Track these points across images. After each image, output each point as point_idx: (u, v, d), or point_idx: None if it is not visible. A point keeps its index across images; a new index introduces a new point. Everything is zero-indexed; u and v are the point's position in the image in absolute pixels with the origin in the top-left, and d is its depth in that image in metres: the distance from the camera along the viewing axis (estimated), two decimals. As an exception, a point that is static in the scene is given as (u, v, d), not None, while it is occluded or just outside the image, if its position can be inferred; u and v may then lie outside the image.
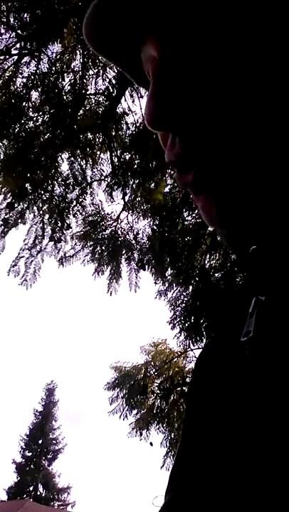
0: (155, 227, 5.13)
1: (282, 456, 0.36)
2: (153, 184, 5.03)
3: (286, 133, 0.39)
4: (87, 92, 4.78)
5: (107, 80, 4.71)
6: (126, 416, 6.57)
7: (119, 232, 5.47)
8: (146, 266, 5.26)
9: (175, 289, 5.27)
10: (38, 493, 24.33)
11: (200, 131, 0.40)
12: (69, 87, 4.64)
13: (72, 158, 5.05)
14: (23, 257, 5.15)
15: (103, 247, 5.44)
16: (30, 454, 25.11)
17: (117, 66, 0.52)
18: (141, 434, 6.59)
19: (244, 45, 0.39)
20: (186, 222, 4.93)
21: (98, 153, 5.16)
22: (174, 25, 0.41)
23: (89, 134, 5.05)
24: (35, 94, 4.65)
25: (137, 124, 4.81)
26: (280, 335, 0.41)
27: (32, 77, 4.52)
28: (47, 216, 5.18)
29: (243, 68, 0.39)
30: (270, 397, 0.39)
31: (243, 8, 0.39)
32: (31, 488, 24.48)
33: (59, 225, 5.18)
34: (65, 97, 4.59)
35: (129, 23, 0.44)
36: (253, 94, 0.39)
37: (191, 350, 5.55)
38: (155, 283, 5.30)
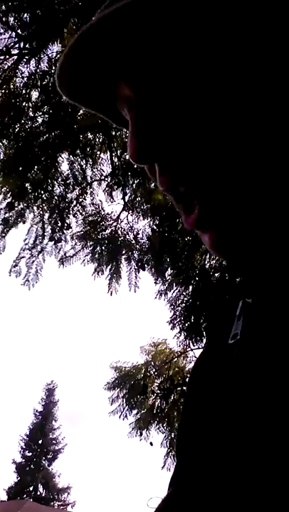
0: (155, 227, 5.13)
1: (272, 453, 0.36)
2: (153, 184, 5.02)
3: (267, 148, 0.40)
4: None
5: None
6: (126, 416, 6.58)
7: (119, 232, 5.47)
8: (146, 266, 5.26)
9: (175, 289, 5.27)
10: (38, 493, 24.35)
11: (186, 158, 0.41)
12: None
13: (72, 158, 5.06)
14: (23, 257, 5.15)
15: (103, 247, 5.44)
16: (30, 454, 25.13)
17: (94, 112, 0.53)
18: (141, 434, 6.59)
19: (213, 70, 0.40)
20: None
21: (98, 153, 5.16)
22: (144, 66, 0.42)
23: (89, 134, 5.05)
24: (35, 94, 4.66)
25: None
26: (267, 337, 0.42)
27: (32, 76, 4.52)
28: (47, 216, 5.18)
29: (215, 92, 0.40)
30: (257, 399, 0.40)
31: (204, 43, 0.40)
32: (31, 488, 24.49)
33: (59, 225, 5.18)
34: (64, 97, 4.58)
35: (99, 70, 0.45)
36: (227, 116, 0.40)
37: (191, 350, 5.56)
38: (155, 283, 5.30)
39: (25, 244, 5.17)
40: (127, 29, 0.41)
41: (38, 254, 5.19)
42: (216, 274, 4.86)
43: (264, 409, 0.38)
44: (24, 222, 5.11)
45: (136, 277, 5.34)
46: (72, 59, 0.44)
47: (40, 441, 25.42)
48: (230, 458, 0.40)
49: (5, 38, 4.27)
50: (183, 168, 0.42)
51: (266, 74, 0.40)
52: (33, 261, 5.18)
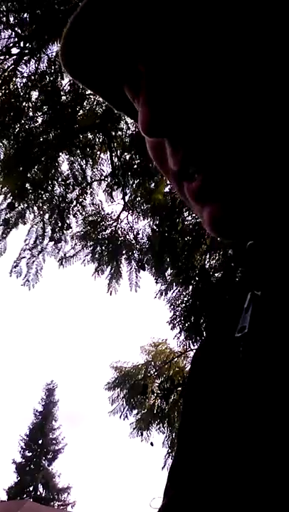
0: (155, 227, 5.13)
1: (280, 453, 0.36)
2: (153, 184, 5.02)
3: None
4: (87, 92, 4.78)
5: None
6: (126, 416, 6.57)
7: (119, 232, 5.47)
8: (147, 266, 5.26)
9: (175, 288, 5.27)
10: (38, 493, 24.33)
11: (200, 131, 0.39)
12: (68, 87, 4.64)
13: (72, 158, 5.05)
14: (24, 257, 5.15)
15: (103, 247, 5.43)
16: (30, 454, 25.11)
17: (94, 92, 0.50)
18: (142, 435, 6.58)
19: (235, 40, 0.38)
20: (186, 222, 4.93)
21: (98, 153, 5.16)
22: (154, 35, 0.40)
23: (89, 134, 5.05)
24: (34, 94, 4.66)
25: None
26: (276, 331, 0.40)
27: (32, 77, 4.52)
28: (47, 216, 5.17)
29: (236, 62, 0.38)
30: (265, 394, 0.39)
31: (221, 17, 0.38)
32: (31, 488, 24.48)
33: (59, 225, 5.17)
34: (64, 97, 4.59)
35: (106, 42, 0.43)
36: (250, 89, 0.38)
37: (192, 350, 5.55)
38: (156, 282, 5.29)
39: (26, 244, 5.17)
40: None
41: (39, 255, 5.19)
42: (216, 274, 4.86)
43: (273, 406, 0.38)
44: (25, 223, 5.11)
45: (136, 277, 5.34)
46: (76, 31, 0.42)
47: (40, 441, 25.40)
48: (236, 455, 0.40)
49: (5, 38, 4.27)
50: (196, 142, 0.39)
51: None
52: (34, 261, 5.17)
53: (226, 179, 0.39)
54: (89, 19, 0.41)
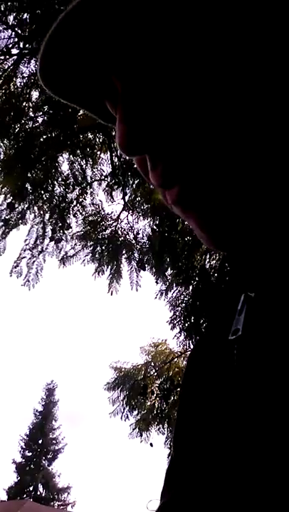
0: (155, 227, 5.13)
1: (276, 454, 0.36)
2: (153, 184, 5.01)
3: (259, 137, 0.39)
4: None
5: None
6: (127, 417, 6.57)
7: (120, 232, 5.47)
8: (147, 266, 5.26)
9: (175, 289, 5.27)
10: (38, 493, 24.34)
11: (177, 147, 0.39)
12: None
13: (72, 158, 5.05)
14: (24, 257, 5.15)
15: (103, 247, 5.43)
16: (30, 454, 25.13)
17: (79, 107, 0.50)
18: (141, 435, 6.58)
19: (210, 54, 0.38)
20: (186, 222, 4.92)
21: (98, 153, 5.16)
22: (130, 53, 0.40)
23: (89, 134, 5.05)
24: (35, 94, 4.66)
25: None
26: (270, 333, 0.40)
27: (32, 77, 4.52)
28: (47, 216, 5.17)
29: (209, 79, 0.38)
30: (259, 397, 0.39)
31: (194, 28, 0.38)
32: (31, 488, 24.49)
33: (59, 225, 5.17)
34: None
35: (83, 59, 0.42)
36: (222, 105, 0.38)
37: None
38: (156, 282, 5.29)
39: (26, 244, 5.17)
40: (111, 13, 0.39)
41: (39, 255, 5.19)
42: (216, 274, 4.86)
43: (267, 409, 0.37)
44: (25, 224, 5.11)
45: (136, 277, 5.34)
46: (52, 47, 0.41)
47: (40, 441, 25.41)
48: (231, 459, 0.40)
49: (5, 38, 4.28)
50: (174, 157, 0.40)
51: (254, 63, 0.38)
52: (34, 261, 5.17)
53: (201, 188, 0.39)
54: (63, 38, 0.40)
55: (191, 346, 5.24)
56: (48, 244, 5.23)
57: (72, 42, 0.41)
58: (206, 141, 0.38)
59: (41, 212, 5.15)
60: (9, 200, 4.92)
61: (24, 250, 5.18)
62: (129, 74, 0.41)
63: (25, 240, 5.19)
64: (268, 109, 0.38)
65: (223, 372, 0.45)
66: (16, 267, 5.13)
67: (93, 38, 0.40)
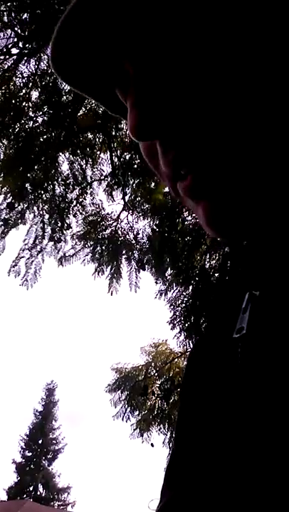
0: (155, 227, 5.13)
1: (278, 454, 0.35)
2: (153, 184, 5.02)
3: (277, 126, 0.38)
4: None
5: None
6: (128, 418, 6.57)
7: (120, 232, 5.47)
8: (147, 266, 5.26)
9: (175, 289, 5.27)
10: (38, 493, 24.35)
11: (190, 132, 0.39)
12: (69, 87, 4.63)
13: (72, 158, 5.05)
14: (23, 257, 5.15)
15: (103, 247, 5.43)
16: (30, 454, 25.14)
17: (88, 96, 0.49)
18: (142, 436, 6.58)
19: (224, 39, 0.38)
20: (186, 222, 4.93)
21: (98, 153, 5.16)
22: (143, 36, 0.40)
23: (89, 134, 5.05)
24: (35, 94, 4.65)
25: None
26: (275, 332, 0.40)
27: (32, 76, 4.52)
28: (47, 216, 5.17)
29: (224, 64, 0.38)
30: (263, 396, 0.38)
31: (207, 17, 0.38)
32: (31, 488, 24.50)
33: (59, 225, 5.17)
34: (64, 97, 4.59)
35: (95, 46, 0.42)
36: (238, 91, 0.38)
37: (192, 350, 5.54)
38: (156, 282, 5.29)
39: (25, 244, 5.17)
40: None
41: (38, 255, 5.19)
42: (216, 275, 4.86)
43: (272, 407, 0.37)
44: (25, 223, 5.10)
45: (136, 277, 5.34)
46: (65, 32, 0.41)
47: (40, 441, 25.42)
48: (234, 457, 0.39)
49: (5, 38, 4.27)
50: (186, 143, 0.39)
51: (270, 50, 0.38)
52: (32, 261, 5.17)
53: (214, 177, 0.39)
54: (75, 23, 0.40)
55: (191, 346, 5.24)
56: (46, 244, 5.23)
57: (84, 27, 0.40)
58: (219, 126, 0.38)
59: (41, 212, 5.15)
60: (9, 200, 4.92)
61: (23, 250, 5.17)
62: (142, 58, 0.40)
63: (24, 240, 5.19)
64: (284, 97, 0.38)
65: (226, 371, 0.44)
66: (14, 267, 5.13)
67: (106, 22, 0.40)
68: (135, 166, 5.03)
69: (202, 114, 0.38)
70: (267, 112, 0.38)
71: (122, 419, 6.55)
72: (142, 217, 5.36)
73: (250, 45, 0.38)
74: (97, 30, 0.41)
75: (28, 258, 5.16)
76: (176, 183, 0.42)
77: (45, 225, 5.19)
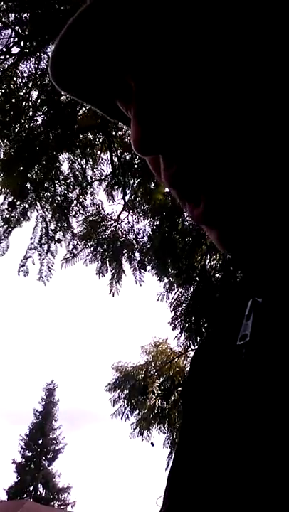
0: (155, 227, 5.13)
1: (282, 460, 0.35)
2: (153, 184, 5.02)
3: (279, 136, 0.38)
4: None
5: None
6: (128, 417, 6.57)
7: (120, 233, 5.47)
8: (147, 266, 5.26)
9: (176, 289, 5.26)
10: (38, 493, 24.36)
11: (192, 149, 0.39)
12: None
13: (72, 158, 5.05)
14: (30, 256, 5.15)
15: (104, 247, 5.43)
16: (30, 454, 25.14)
17: (87, 104, 0.49)
18: (142, 435, 6.59)
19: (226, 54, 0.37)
20: (186, 222, 4.93)
21: (98, 153, 5.15)
22: (145, 52, 0.40)
23: (89, 134, 5.05)
24: (35, 94, 4.65)
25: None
26: (278, 339, 0.40)
27: (32, 76, 4.52)
28: (49, 216, 5.17)
29: (228, 80, 0.37)
30: (267, 403, 0.38)
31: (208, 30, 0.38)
32: (31, 488, 24.51)
33: (60, 225, 5.18)
34: (65, 97, 4.59)
35: (96, 58, 0.42)
36: (240, 106, 0.37)
37: (192, 350, 5.55)
38: (159, 280, 5.29)
39: (32, 243, 5.17)
40: (125, 14, 0.38)
41: (47, 253, 5.20)
42: (217, 275, 4.86)
43: (276, 414, 0.37)
44: (28, 219, 5.10)
45: (137, 277, 5.34)
46: (65, 45, 0.41)
47: (40, 441, 25.43)
48: (237, 462, 0.39)
49: (5, 38, 4.27)
50: (189, 159, 0.39)
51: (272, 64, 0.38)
52: (44, 258, 5.18)
53: (227, 204, 0.39)
54: (77, 36, 0.40)
55: (192, 346, 5.25)
56: (50, 244, 5.24)
57: (86, 42, 0.40)
58: (220, 141, 0.38)
59: (42, 212, 5.15)
60: (10, 200, 4.92)
61: (30, 249, 5.18)
62: (144, 74, 0.40)
63: (31, 239, 5.19)
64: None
65: (230, 377, 0.44)
66: (22, 266, 5.13)
67: (108, 37, 0.40)
68: (135, 166, 5.03)
69: (204, 130, 0.38)
70: (269, 126, 0.38)
71: (122, 418, 6.55)
72: (142, 218, 5.37)
73: (251, 60, 0.37)
74: (100, 44, 0.41)
75: (40, 255, 5.17)
76: (183, 201, 0.42)
77: (48, 225, 5.19)
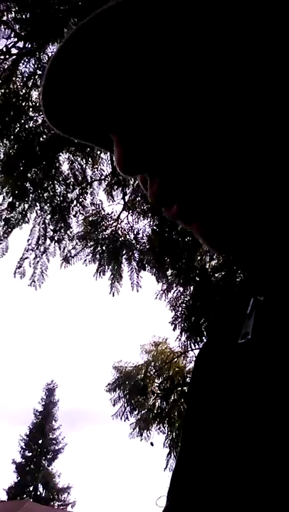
0: (155, 227, 5.13)
1: (284, 462, 0.35)
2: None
3: (246, 153, 0.41)
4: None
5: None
6: (127, 417, 6.58)
7: (120, 232, 5.47)
8: (147, 266, 5.26)
9: (175, 289, 5.27)
10: (38, 493, 24.36)
11: (171, 165, 0.42)
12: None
13: (72, 158, 5.05)
14: (27, 258, 5.15)
15: (104, 247, 5.43)
16: (30, 454, 25.13)
17: (83, 142, 0.53)
18: (141, 435, 6.59)
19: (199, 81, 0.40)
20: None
21: (98, 153, 5.16)
22: (126, 80, 0.43)
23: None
24: (35, 94, 4.66)
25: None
26: (280, 337, 0.40)
27: (32, 76, 4.52)
28: (48, 216, 5.17)
29: (197, 101, 0.41)
30: (269, 401, 0.39)
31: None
32: (31, 488, 24.51)
33: (60, 225, 5.18)
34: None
35: (82, 94, 0.45)
36: (209, 123, 0.41)
37: (192, 350, 5.55)
38: (158, 281, 5.29)
39: (29, 244, 5.17)
40: (105, 40, 0.41)
41: (42, 255, 5.19)
42: (216, 275, 4.86)
43: (278, 412, 0.37)
44: (28, 222, 5.10)
45: (137, 277, 5.34)
46: (51, 80, 0.44)
47: (40, 441, 25.43)
48: (240, 461, 0.39)
49: (5, 38, 4.27)
50: (170, 175, 0.43)
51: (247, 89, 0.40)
52: (38, 261, 5.18)
53: (198, 202, 0.43)
54: (62, 76, 0.43)
55: (192, 346, 5.25)
56: (49, 245, 5.24)
57: (69, 77, 0.44)
58: (199, 159, 0.42)
59: (42, 212, 5.15)
60: (9, 200, 4.92)
61: (27, 250, 5.18)
62: (124, 101, 0.44)
63: (28, 240, 5.19)
64: (259, 125, 0.41)
65: (233, 376, 0.45)
66: (19, 268, 5.13)
67: (89, 74, 0.44)
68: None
69: (181, 149, 0.42)
70: (243, 140, 0.41)
71: (122, 418, 6.56)
72: (142, 217, 5.37)
73: (225, 84, 0.40)
74: (81, 84, 0.44)
75: (34, 258, 5.17)
76: (165, 209, 0.47)
77: (47, 226, 5.19)
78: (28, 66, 4.50)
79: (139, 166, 0.44)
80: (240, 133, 0.41)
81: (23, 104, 4.61)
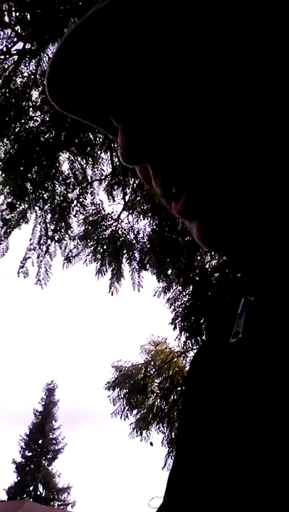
0: (155, 227, 5.13)
1: (277, 459, 0.36)
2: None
3: (254, 147, 0.40)
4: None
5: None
6: (126, 416, 6.57)
7: (120, 232, 5.47)
8: (148, 266, 5.26)
9: (175, 288, 5.27)
10: (38, 493, 24.35)
11: (175, 155, 0.42)
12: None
13: (72, 158, 5.05)
14: (30, 257, 5.15)
15: (104, 247, 5.43)
16: (30, 454, 25.12)
17: (86, 122, 0.52)
18: (141, 434, 6.59)
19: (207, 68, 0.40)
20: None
21: (98, 152, 5.16)
22: (131, 66, 0.42)
23: (89, 133, 5.05)
24: (35, 94, 4.66)
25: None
26: (269, 336, 0.41)
27: (32, 76, 4.52)
28: (49, 216, 5.17)
29: (202, 91, 0.40)
30: (260, 399, 0.39)
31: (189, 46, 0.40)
32: (31, 488, 24.49)
33: (60, 225, 5.17)
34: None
35: (87, 75, 0.45)
36: (215, 112, 0.40)
37: (192, 350, 5.55)
38: (158, 281, 5.29)
39: (31, 244, 5.17)
40: (112, 29, 0.41)
41: (45, 254, 5.19)
42: (216, 274, 4.86)
43: (268, 410, 0.38)
44: (27, 223, 5.10)
45: (138, 277, 5.34)
46: (58, 65, 0.43)
47: (40, 441, 25.41)
48: (232, 460, 0.40)
49: (5, 38, 4.27)
50: (171, 164, 0.42)
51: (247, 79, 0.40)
52: (42, 260, 5.17)
53: (205, 197, 0.42)
54: (67, 59, 0.43)
55: (192, 346, 5.25)
56: (49, 245, 5.23)
57: (76, 62, 0.43)
58: (203, 149, 0.41)
59: (42, 212, 5.14)
60: (9, 200, 4.91)
61: (29, 250, 5.17)
62: (130, 90, 0.43)
63: (30, 240, 5.19)
64: (265, 119, 0.40)
65: (225, 375, 0.46)
66: (22, 267, 5.13)
67: (95, 57, 0.43)
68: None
69: (186, 137, 0.41)
70: (250, 132, 0.40)
71: (121, 418, 6.56)
72: (142, 217, 5.37)
73: (232, 81, 0.40)
74: (88, 64, 0.44)
75: (37, 257, 5.16)
76: (170, 202, 0.45)
77: (48, 225, 5.19)
78: (28, 66, 4.50)
79: (143, 156, 0.43)
80: (244, 124, 0.40)
81: (23, 104, 4.61)
